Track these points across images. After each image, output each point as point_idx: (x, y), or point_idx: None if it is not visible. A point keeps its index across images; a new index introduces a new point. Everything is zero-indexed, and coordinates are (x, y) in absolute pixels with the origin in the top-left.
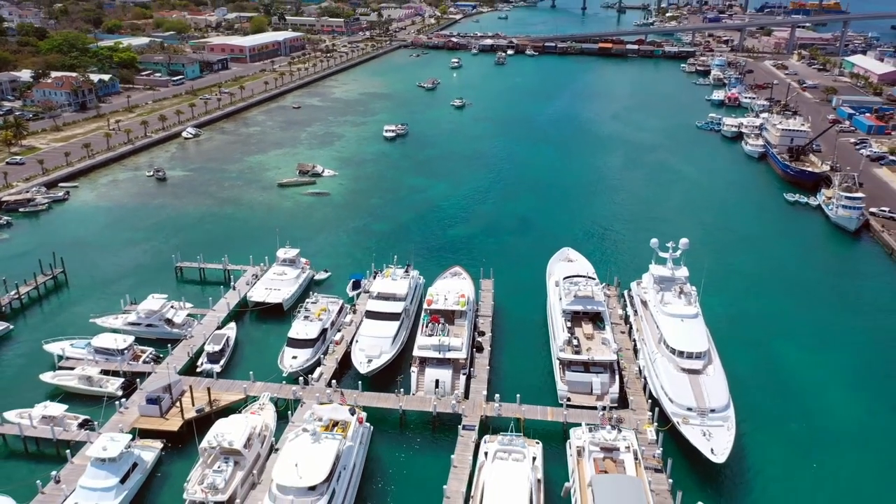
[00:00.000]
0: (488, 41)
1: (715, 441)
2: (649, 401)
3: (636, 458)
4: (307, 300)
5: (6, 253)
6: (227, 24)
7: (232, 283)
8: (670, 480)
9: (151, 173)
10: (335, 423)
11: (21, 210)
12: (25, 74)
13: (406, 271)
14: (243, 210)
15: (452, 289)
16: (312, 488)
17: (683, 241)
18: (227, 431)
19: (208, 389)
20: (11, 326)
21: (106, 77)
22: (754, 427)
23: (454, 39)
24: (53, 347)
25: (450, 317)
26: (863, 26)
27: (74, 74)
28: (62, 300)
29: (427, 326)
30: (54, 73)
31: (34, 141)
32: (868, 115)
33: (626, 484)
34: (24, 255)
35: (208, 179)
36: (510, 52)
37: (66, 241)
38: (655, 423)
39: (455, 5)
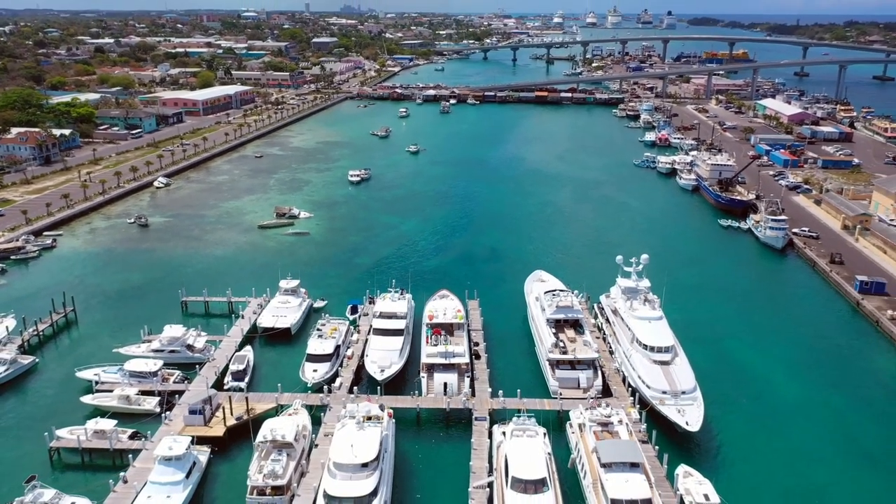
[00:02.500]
0: (431, 91)
1: (688, 415)
2: (629, 389)
3: (628, 430)
4: (319, 321)
5: (7, 297)
6: (171, 79)
7: (240, 313)
8: (656, 447)
9: (133, 220)
10: (369, 418)
11: (13, 258)
12: None
13: (402, 294)
14: (230, 250)
15: (448, 306)
16: (365, 465)
17: (644, 256)
18: (278, 427)
19: (246, 399)
20: (37, 359)
21: (66, 132)
22: (717, 403)
23: (398, 90)
24: (87, 374)
25: (449, 329)
26: (770, 73)
27: (37, 129)
28: (78, 335)
29: (431, 338)
30: (15, 129)
31: (6, 194)
32: (783, 150)
33: (625, 445)
34: (25, 298)
35: (189, 224)
36: (453, 101)
37: (66, 284)
38: (637, 406)
39: (392, 58)
